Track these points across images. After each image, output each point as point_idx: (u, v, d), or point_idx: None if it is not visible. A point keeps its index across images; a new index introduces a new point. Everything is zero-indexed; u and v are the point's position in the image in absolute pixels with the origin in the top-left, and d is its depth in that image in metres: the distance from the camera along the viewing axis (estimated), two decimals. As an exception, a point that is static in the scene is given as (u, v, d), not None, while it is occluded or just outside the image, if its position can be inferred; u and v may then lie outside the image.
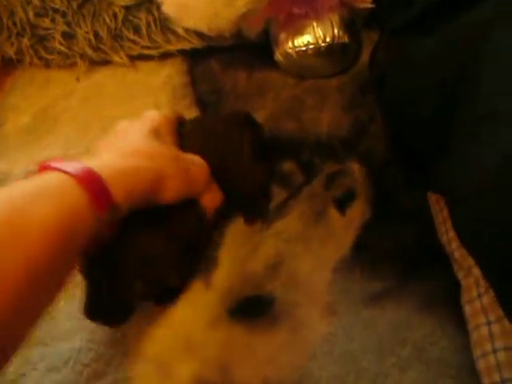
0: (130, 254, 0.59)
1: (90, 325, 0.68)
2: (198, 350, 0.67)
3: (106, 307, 0.60)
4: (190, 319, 0.69)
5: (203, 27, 0.85)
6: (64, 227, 0.47)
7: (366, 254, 0.72)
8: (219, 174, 0.66)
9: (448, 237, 0.68)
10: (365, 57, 0.92)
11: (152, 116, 0.66)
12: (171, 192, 0.60)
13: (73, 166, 0.50)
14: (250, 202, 0.71)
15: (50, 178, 0.50)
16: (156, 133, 0.64)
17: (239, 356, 0.65)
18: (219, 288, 0.71)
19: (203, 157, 0.65)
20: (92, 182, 0.50)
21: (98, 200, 0.50)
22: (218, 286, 0.71)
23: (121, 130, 0.65)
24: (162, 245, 0.61)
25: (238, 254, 0.73)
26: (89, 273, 0.59)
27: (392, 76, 0.72)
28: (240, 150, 0.66)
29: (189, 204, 0.64)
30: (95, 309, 0.60)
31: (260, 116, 0.86)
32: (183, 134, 0.67)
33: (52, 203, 0.47)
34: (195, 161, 0.65)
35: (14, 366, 0.67)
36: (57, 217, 0.47)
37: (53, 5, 0.95)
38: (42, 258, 0.46)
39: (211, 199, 0.67)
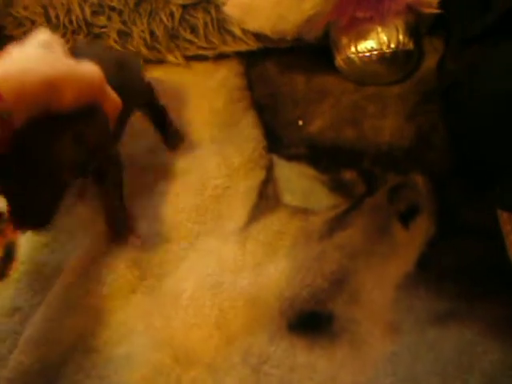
0: (40, 158, 0.58)
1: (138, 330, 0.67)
2: (255, 364, 0.64)
3: (30, 212, 0.59)
4: (249, 329, 0.66)
5: (267, 29, 0.83)
6: None
7: (430, 272, 0.69)
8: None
9: (521, 257, 0.65)
10: (426, 64, 0.89)
11: (42, 33, 0.63)
12: (68, 96, 0.57)
13: None
14: None
15: None
16: (47, 45, 0.60)
17: (299, 374, 0.63)
18: (279, 296, 0.68)
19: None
20: None
21: None
22: (277, 291, 0.70)
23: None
24: (71, 147, 0.59)
25: (299, 260, 0.71)
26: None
27: (466, 86, 0.69)
28: None
29: (92, 110, 0.62)
30: (21, 216, 0.59)
31: (319, 123, 0.84)
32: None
33: None
34: (89, 66, 0.62)
35: (67, 375, 0.65)
36: None
37: (110, 3, 0.94)
38: None
39: (111, 105, 0.64)
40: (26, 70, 0.54)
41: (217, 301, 0.69)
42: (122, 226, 0.74)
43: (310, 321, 0.67)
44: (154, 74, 0.96)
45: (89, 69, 0.61)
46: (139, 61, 0.80)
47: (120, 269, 0.71)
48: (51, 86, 0.55)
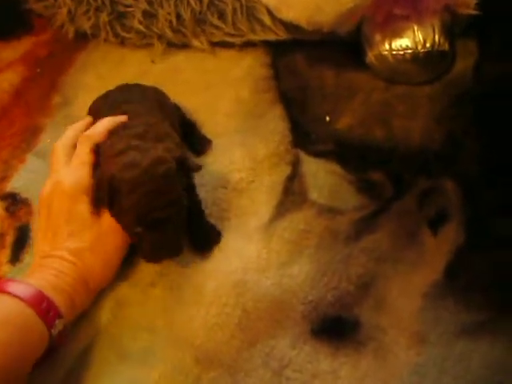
0: None
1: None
2: (277, 368, 0.62)
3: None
4: (271, 331, 0.64)
5: (302, 20, 0.81)
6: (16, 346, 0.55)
7: (458, 281, 0.67)
8: None
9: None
10: (459, 66, 0.86)
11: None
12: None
13: (24, 290, 0.58)
14: None
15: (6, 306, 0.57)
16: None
17: (322, 381, 0.61)
18: (303, 299, 0.67)
19: None
20: (41, 303, 0.58)
21: (47, 317, 0.58)
22: (302, 294, 0.68)
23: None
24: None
25: (323, 263, 0.69)
26: None
27: (507, 92, 0.66)
28: None
29: None
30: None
31: (347, 119, 0.81)
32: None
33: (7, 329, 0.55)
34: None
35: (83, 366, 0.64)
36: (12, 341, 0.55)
37: (137, -18, 0.90)
38: None
39: None
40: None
41: (241, 300, 0.67)
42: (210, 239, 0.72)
43: (335, 326, 0.65)
44: (177, 59, 0.93)
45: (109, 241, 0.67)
46: (162, 91, 0.81)
47: (140, 262, 0.68)
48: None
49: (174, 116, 0.77)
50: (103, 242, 0.65)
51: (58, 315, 0.59)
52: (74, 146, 0.70)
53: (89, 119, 0.75)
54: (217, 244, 0.72)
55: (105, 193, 0.62)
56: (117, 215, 0.64)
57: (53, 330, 0.58)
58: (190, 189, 0.68)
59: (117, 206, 0.62)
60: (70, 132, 0.72)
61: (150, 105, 0.73)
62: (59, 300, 0.60)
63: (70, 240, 0.64)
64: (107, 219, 0.65)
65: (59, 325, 0.59)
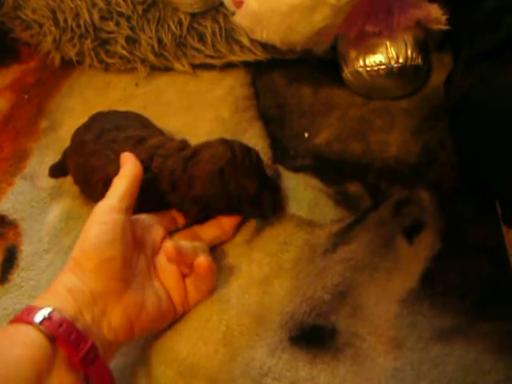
0: None
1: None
2: (256, 377, 0.63)
3: None
4: (251, 343, 0.66)
5: (276, 40, 0.82)
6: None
7: (434, 288, 0.68)
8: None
9: (528, 277, 0.65)
10: (434, 80, 0.89)
11: None
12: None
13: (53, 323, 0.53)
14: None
15: (30, 339, 0.52)
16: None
17: (301, 388, 0.62)
18: (281, 311, 0.68)
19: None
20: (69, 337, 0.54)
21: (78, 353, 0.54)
22: (279, 308, 0.69)
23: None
24: None
25: (301, 277, 0.70)
26: None
27: (476, 103, 0.68)
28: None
29: None
30: None
31: (325, 135, 0.83)
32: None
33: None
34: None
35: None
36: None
37: (118, 8, 0.94)
38: None
39: None
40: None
41: (225, 317, 0.69)
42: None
43: (313, 334, 0.66)
44: (161, 81, 0.95)
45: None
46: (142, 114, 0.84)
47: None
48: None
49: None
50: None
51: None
52: None
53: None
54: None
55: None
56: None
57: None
58: None
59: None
60: None
61: (140, 126, 0.75)
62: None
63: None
64: None
65: None
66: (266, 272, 0.72)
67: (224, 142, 0.69)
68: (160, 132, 0.79)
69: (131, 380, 0.66)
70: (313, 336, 0.67)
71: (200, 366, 0.66)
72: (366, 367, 0.64)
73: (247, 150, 0.68)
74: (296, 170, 0.81)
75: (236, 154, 0.67)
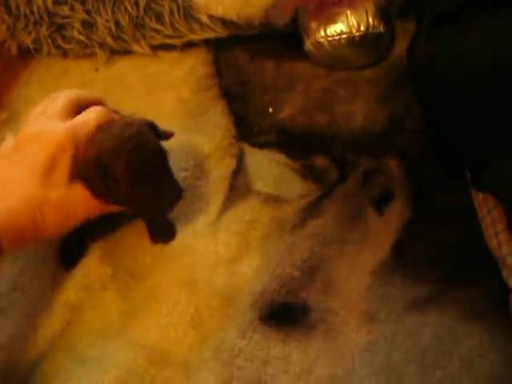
0: None
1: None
2: (227, 358, 0.62)
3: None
4: (221, 325, 0.64)
5: (232, 14, 0.81)
6: None
7: (406, 258, 0.67)
8: None
9: (498, 240, 0.63)
10: (398, 48, 0.87)
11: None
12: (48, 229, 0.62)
13: None
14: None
15: None
16: (47, 171, 0.61)
17: (274, 367, 0.61)
18: (250, 291, 0.66)
19: None
20: None
21: None
22: (249, 289, 0.68)
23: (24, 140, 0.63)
24: None
25: (270, 254, 0.69)
26: None
27: (438, 68, 0.67)
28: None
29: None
30: None
31: (290, 109, 0.81)
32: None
33: None
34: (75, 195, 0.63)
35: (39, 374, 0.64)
36: None
37: (72, -9, 0.90)
38: None
39: None
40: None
41: (193, 299, 0.67)
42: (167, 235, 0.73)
43: (284, 313, 0.65)
44: (121, 65, 0.93)
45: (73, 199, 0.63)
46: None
47: (91, 265, 0.68)
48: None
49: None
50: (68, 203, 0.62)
51: None
52: (76, 106, 0.67)
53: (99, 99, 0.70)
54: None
55: (95, 174, 0.61)
56: (115, 192, 0.62)
57: None
58: None
59: (111, 181, 0.61)
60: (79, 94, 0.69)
61: None
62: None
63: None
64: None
65: None
66: (233, 252, 0.70)
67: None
68: None
69: (100, 370, 0.63)
70: (283, 314, 0.65)
71: (170, 351, 0.64)
72: (339, 342, 0.63)
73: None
74: (261, 146, 0.79)
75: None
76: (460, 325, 0.63)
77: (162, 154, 0.62)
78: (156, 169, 0.61)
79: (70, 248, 0.71)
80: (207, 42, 0.92)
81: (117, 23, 0.91)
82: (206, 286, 0.68)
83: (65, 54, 0.95)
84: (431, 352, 0.61)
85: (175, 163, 0.74)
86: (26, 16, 0.92)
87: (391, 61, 0.86)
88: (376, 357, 0.61)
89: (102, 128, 0.63)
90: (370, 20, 0.81)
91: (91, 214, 0.64)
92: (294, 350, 0.63)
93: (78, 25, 0.91)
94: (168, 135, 0.67)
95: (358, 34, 0.81)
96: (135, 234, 0.73)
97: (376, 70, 0.85)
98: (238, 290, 0.68)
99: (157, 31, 0.91)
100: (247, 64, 0.88)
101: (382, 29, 0.82)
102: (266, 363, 0.62)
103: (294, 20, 0.87)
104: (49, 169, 0.61)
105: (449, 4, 0.71)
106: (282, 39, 0.90)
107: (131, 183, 0.60)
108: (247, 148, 0.79)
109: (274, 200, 0.73)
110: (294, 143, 0.78)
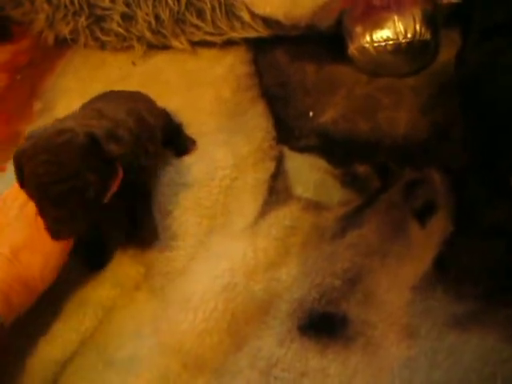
0: None
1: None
2: (264, 367, 0.61)
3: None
4: (258, 333, 0.63)
5: (280, 14, 0.80)
6: None
7: (448, 273, 0.66)
8: None
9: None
10: (443, 56, 0.85)
11: None
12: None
13: None
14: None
15: None
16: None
17: (311, 379, 0.59)
18: (289, 299, 0.65)
19: None
20: None
21: None
22: (287, 296, 0.66)
23: None
24: None
25: (310, 262, 0.68)
26: None
27: (488, 78, 0.65)
28: None
29: None
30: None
31: (331, 113, 0.80)
32: None
33: None
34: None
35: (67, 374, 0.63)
36: None
37: (114, -17, 0.89)
38: None
39: None
40: None
41: (230, 305, 0.66)
42: (151, 232, 0.71)
43: (323, 323, 0.64)
44: (158, 60, 0.92)
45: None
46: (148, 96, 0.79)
47: (123, 264, 0.67)
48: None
49: (159, 119, 0.76)
50: (42, 242, 0.61)
51: None
52: None
53: None
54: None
55: (16, 167, 0.59)
56: (25, 188, 0.60)
57: None
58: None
59: (22, 177, 0.59)
60: None
61: (119, 104, 0.71)
62: None
63: (13, 237, 0.62)
64: None
65: None
66: (272, 258, 0.69)
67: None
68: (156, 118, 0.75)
69: (132, 374, 0.62)
70: (322, 324, 0.64)
71: (205, 357, 0.63)
72: (378, 357, 0.62)
73: None
74: (301, 150, 0.78)
75: None
76: (504, 346, 0.60)
77: (78, 181, 0.58)
78: (64, 194, 0.57)
79: (96, 248, 0.70)
80: (247, 41, 0.91)
81: (157, 17, 0.90)
82: (244, 292, 0.66)
83: (102, 45, 0.95)
84: (474, 373, 0.59)
85: (212, 161, 0.73)
86: (65, 6, 0.91)
87: (434, 69, 0.85)
88: (416, 374, 0.60)
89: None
90: (418, 27, 0.79)
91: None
92: (333, 363, 0.61)
93: (117, 17, 0.90)
94: (116, 151, 0.61)
95: (404, 40, 0.80)
96: (170, 234, 0.72)
97: (419, 77, 0.84)
98: (277, 297, 0.66)
99: (197, 27, 0.90)
100: (287, 65, 0.88)
101: (428, 36, 0.80)
102: (304, 375, 0.61)
103: (339, 23, 0.85)
104: None
105: (498, 15, 0.69)
106: (322, 42, 0.89)
107: (34, 191, 0.59)
108: (287, 151, 0.78)
109: (314, 206, 0.72)
110: (335, 148, 0.77)
